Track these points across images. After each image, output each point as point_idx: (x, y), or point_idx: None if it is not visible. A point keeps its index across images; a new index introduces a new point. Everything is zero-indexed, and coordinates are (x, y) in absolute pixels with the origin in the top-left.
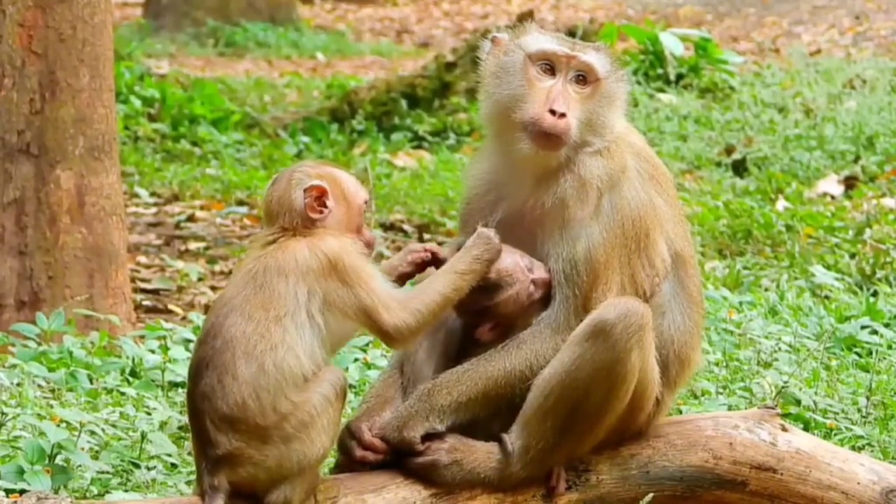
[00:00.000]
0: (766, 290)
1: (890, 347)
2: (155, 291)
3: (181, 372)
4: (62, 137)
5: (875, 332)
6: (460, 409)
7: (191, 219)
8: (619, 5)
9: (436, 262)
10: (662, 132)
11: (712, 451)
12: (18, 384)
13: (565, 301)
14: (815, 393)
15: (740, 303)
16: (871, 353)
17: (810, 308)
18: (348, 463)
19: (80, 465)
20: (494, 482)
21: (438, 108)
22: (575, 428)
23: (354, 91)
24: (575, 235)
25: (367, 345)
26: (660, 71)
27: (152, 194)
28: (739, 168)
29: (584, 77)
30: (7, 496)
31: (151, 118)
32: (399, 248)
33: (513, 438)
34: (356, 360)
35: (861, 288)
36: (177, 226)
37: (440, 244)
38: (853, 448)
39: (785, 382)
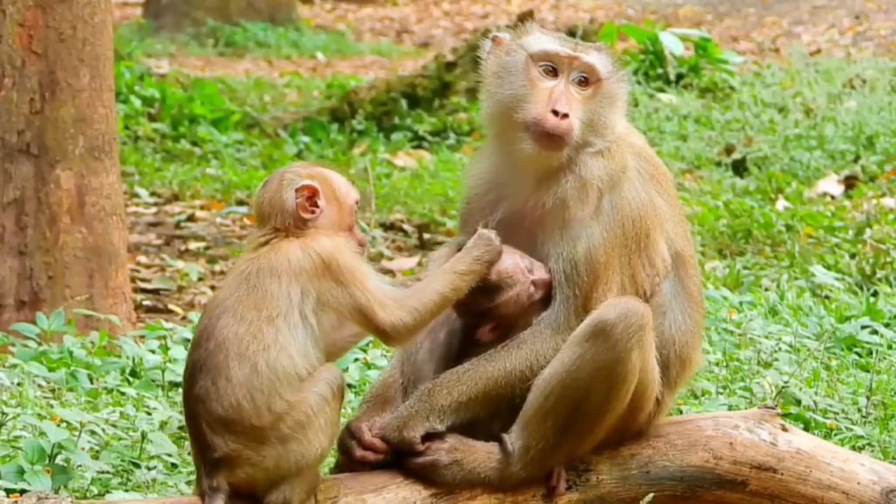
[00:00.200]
0: (767, 289)
1: (890, 347)
2: (155, 291)
3: (181, 372)
4: (62, 137)
5: (875, 332)
6: (460, 409)
7: (191, 219)
8: (619, 5)
9: None
10: (662, 132)
11: (713, 450)
12: (19, 384)
13: (566, 301)
14: (816, 393)
15: (740, 303)
16: (871, 352)
17: (810, 308)
18: (348, 463)
19: (80, 465)
20: (495, 482)
21: (438, 108)
22: (575, 428)
23: (354, 91)
24: (575, 235)
25: (367, 345)
26: (660, 71)
27: (152, 194)
28: (739, 168)
29: (585, 78)
30: (7, 496)
31: (151, 118)
32: (399, 248)
33: (513, 438)
34: (356, 359)
35: (861, 288)
36: (177, 226)
37: (440, 244)
38: (853, 448)
39: (785, 382)
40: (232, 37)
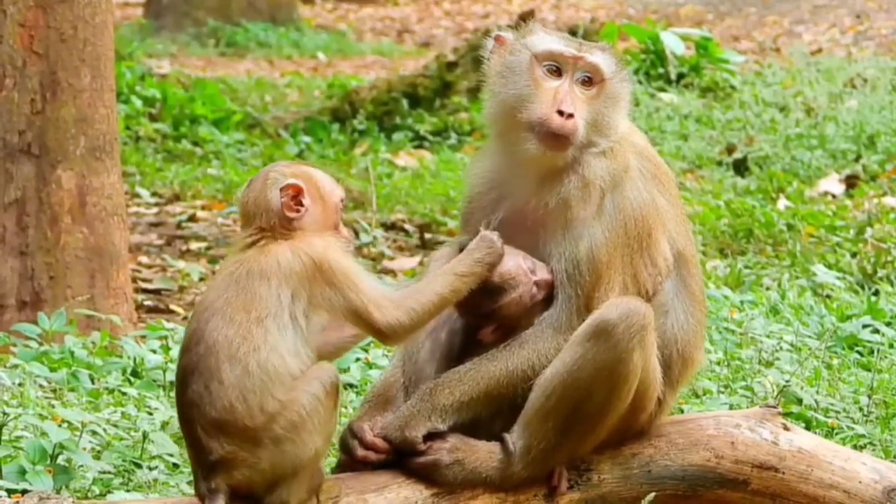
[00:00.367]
0: (768, 289)
1: (891, 346)
2: (156, 291)
3: None
4: (63, 137)
5: (876, 331)
6: (462, 409)
7: (192, 219)
8: (620, 5)
9: None
10: (664, 131)
11: (714, 450)
12: (20, 384)
13: (568, 301)
14: (817, 392)
15: (742, 302)
16: (872, 351)
17: (812, 307)
18: (350, 462)
19: (81, 466)
20: (496, 482)
21: (440, 108)
22: (577, 427)
23: (355, 91)
24: (577, 235)
25: (368, 345)
26: (661, 70)
27: (153, 194)
28: (741, 167)
29: (589, 78)
30: (9, 496)
31: (152, 118)
32: (400, 248)
33: (514, 438)
34: (358, 359)
35: (862, 287)
36: (178, 226)
37: (441, 244)
38: (855, 447)
39: (786, 381)
40: (233, 37)
